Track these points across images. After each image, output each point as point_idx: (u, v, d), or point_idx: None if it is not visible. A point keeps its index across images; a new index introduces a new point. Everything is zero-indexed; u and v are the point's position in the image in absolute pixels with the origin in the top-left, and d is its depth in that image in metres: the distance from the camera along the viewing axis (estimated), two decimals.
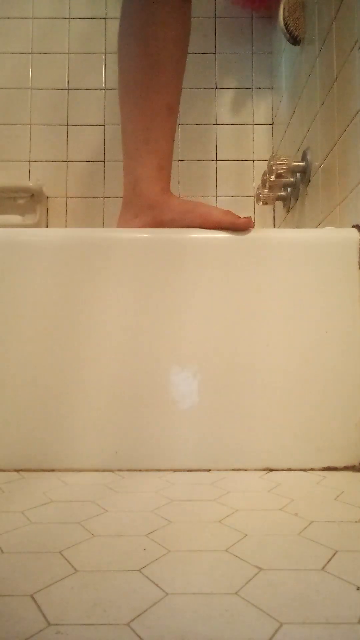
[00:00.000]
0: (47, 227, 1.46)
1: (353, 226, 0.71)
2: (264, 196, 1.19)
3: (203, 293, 0.68)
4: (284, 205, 1.29)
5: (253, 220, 0.69)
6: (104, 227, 1.44)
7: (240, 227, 0.69)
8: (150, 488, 0.57)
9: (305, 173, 1.04)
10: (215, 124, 1.50)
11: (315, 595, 0.31)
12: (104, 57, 1.50)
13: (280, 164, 1.05)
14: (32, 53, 1.50)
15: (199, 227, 0.70)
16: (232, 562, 0.37)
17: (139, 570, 0.35)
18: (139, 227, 0.72)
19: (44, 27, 1.50)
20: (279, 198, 1.23)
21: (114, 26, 1.47)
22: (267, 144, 1.49)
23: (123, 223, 0.75)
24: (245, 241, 0.69)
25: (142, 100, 0.74)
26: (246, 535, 0.42)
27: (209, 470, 0.65)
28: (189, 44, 0.78)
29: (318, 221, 0.95)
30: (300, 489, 0.57)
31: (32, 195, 1.44)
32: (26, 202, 1.44)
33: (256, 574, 0.34)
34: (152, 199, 0.72)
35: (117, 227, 0.76)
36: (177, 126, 1.47)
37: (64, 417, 0.66)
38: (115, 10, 1.48)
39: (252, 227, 0.69)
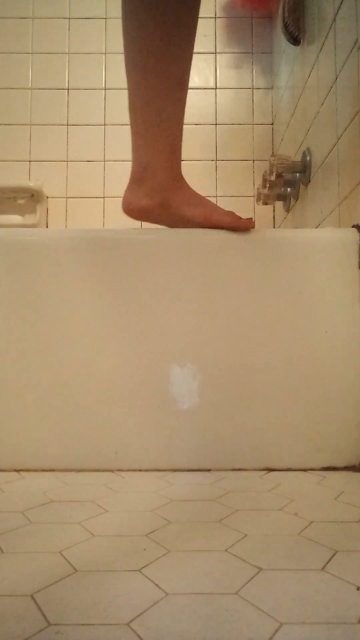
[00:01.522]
0: (47, 227, 1.46)
1: (353, 226, 0.71)
2: (264, 196, 1.19)
3: (203, 293, 0.68)
4: (284, 205, 1.29)
5: (254, 222, 0.69)
6: (104, 227, 1.45)
7: (240, 227, 0.69)
8: (150, 488, 0.57)
9: (305, 173, 1.04)
10: (216, 124, 1.50)
11: (315, 595, 0.31)
12: (104, 57, 1.50)
13: (281, 163, 1.05)
14: (32, 53, 1.50)
15: (199, 226, 0.70)
16: (232, 562, 0.37)
17: (139, 570, 0.35)
18: (146, 207, 0.71)
19: (44, 27, 1.51)
20: (279, 198, 1.23)
21: (114, 26, 1.47)
22: (267, 144, 1.49)
23: (132, 198, 0.73)
24: (245, 241, 0.69)
25: (154, 77, 0.68)
26: (246, 535, 0.42)
27: (209, 470, 0.65)
28: (198, 14, 0.70)
29: (318, 221, 0.95)
30: (300, 489, 0.57)
31: (32, 195, 1.44)
32: (26, 202, 1.44)
33: (256, 574, 0.34)
34: (166, 184, 0.70)
35: (123, 202, 0.73)
36: None
37: (65, 417, 0.66)
38: (115, 11, 1.48)
39: (253, 228, 0.69)
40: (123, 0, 0.69)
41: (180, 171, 0.73)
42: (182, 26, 0.67)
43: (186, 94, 0.71)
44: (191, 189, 0.73)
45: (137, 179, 0.72)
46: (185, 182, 0.73)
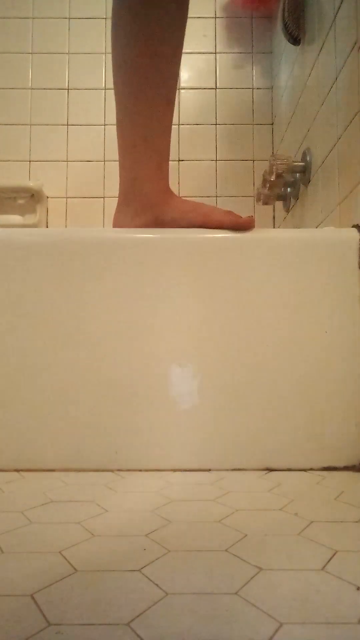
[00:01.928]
0: (47, 227, 1.46)
1: (353, 226, 0.71)
2: (264, 196, 1.19)
3: (203, 293, 0.68)
4: (284, 205, 1.29)
5: (254, 220, 0.69)
6: (104, 227, 1.44)
7: (242, 226, 0.69)
8: (150, 488, 0.57)
9: (305, 173, 1.05)
10: (216, 124, 1.50)
11: (315, 595, 0.31)
12: (104, 57, 1.50)
13: (280, 164, 1.05)
14: (32, 53, 1.50)
15: (199, 227, 0.69)
16: (232, 562, 0.37)
17: (139, 570, 0.35)
18: (139, 226, 0.72)
19: (44, 27, 1.50)
20: (279, 198, 1.23)
21: None
22: (267, 144, 1.49)
23: (121, 221, 0.74)
24: (245, 241, 0.69)
25: (141, 93, 0.71)
26: (246, 535, 0.42)
27: (209, 470, 0.65)
28: (185, 33, 0.73)
29: (318, 221, 0.95)
30: (300, 489, 0.57)
31: (32, 195, 1.44)
32: (26, 202, 1.44)
33: (256, 574, 0.34)
34: (153, 198, 0.71)
35: (114, 225, 0.75)
36: (177, 126, 1.47)
37: (64, 417, 0.66)
38: None
39: (254, 227, 0.69)
40: (113, 22, 0.72)
41: (168, 184, 0.73)
42: (169, 46, 0.70)
43: (172, 109, 0.73)
44: (180, 198, 0.74)
45: (125, 197, 0.73)
46: (173, 193, 0.74)
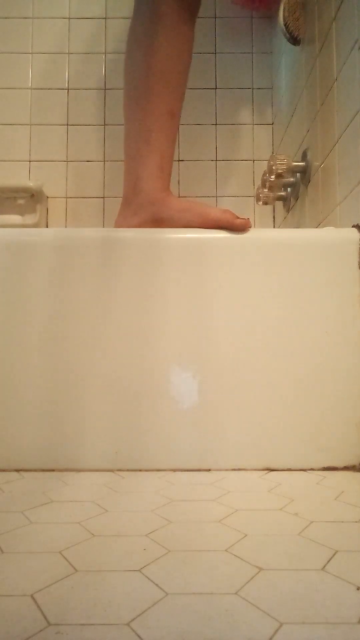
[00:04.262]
0: (47, 227, 1.46)
1: (353, 226, 0.71)
2: (264, 196, 1.19)
3: (203, 293, 0.68)
4: (284, 205, 1.29)
5: (252, 222, 0.70)
6: (104, 227, 1.44)
7: (237, 227, 0.69)
8: (150, 488, 0.57)
9: (305, 173, 1.04)
10: (215, 124, 1.49)
11: (315, 595, 0.31)
12: (104, 57, 1.50)
13: (280, 164, 1.04)
14: (32, 53, 1.50)
15: (197, 226, 0.70)
16: (232, 562, 0.37)
17: (139, 570, 0.35)
18: (138, 224, 0.73)
19: (44, 27, 1.50)
20: (279, 198, 1.23)
21: (114, 26, 1.47)
22: (267, 144, 1.49)
23: (122, 220, 0.75)
24: (245, 241, 0.69)
25: (145, 104, 0.76)
26: (246, 535, 0.42)
27: (209, 470, 0.65)
28: (191, 59, 0.81)
29: (318, 221, 0.95)
30: (300, 489, 0.57)
31: (32, 195, 1.43)
32: (26, 202, 1.44)
33: (256, 574, 0.34)
34: (152, 196, 0.73)
35: (115, 224, 0.76)
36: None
37: (65, 417, 0.66)
38: (115, 11, 1.48)
39: (249, 228, 0.70)
40: (127, 51, 0.81)
41: (168, 186, 0.76)
42: (173, 72, 0.78)
43: (176, 121, 0.78)
44: (178, 198, 0.76)
45: (127, 200, 0.76)
46: (172, 194, 0.76)
